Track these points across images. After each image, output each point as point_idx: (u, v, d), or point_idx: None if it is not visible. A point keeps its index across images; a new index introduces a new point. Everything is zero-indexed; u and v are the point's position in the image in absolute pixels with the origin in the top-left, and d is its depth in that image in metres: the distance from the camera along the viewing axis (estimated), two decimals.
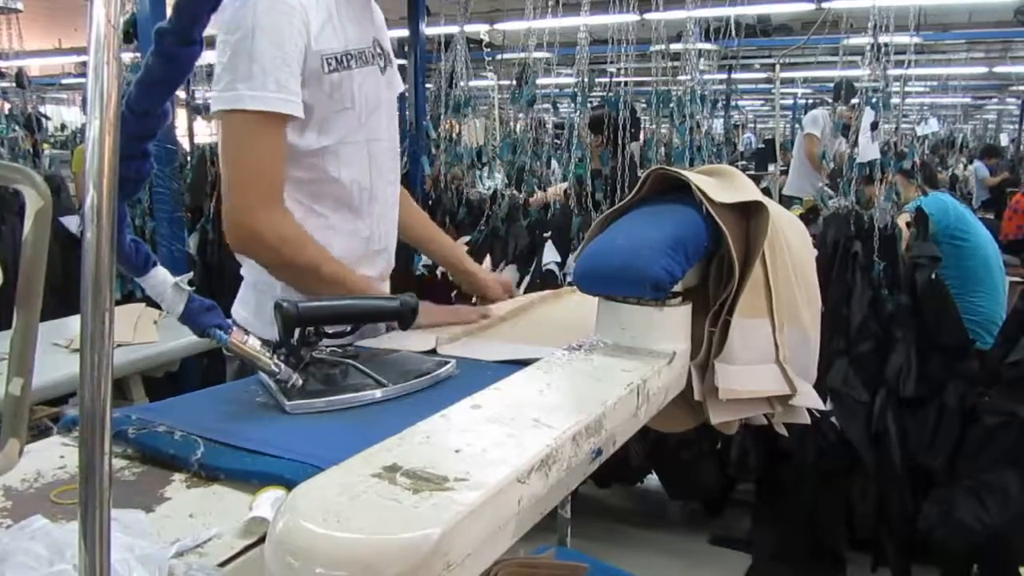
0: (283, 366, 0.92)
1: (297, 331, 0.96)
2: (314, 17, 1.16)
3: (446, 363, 1.02)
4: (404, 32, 3.97)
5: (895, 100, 2.78)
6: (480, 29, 5.73)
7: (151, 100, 0.61)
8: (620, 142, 3.15)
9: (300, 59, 1.15)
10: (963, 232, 2.85)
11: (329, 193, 1.26)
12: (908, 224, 2.66)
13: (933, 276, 2.49)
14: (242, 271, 1.34)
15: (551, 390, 0.80)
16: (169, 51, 0.59)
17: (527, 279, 3.24)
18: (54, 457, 0.79)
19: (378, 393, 0.93)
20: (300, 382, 0.92)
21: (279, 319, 0.95)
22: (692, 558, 2.87)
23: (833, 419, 2.52)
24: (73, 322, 2.63)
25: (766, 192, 3.25)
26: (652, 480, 3.10)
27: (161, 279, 0.84)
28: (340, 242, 1.27)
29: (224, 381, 1.15)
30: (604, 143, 3.27)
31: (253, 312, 1.31)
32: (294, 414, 0.88)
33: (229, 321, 0.90)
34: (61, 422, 0.86)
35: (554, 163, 3.80)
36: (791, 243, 1.06)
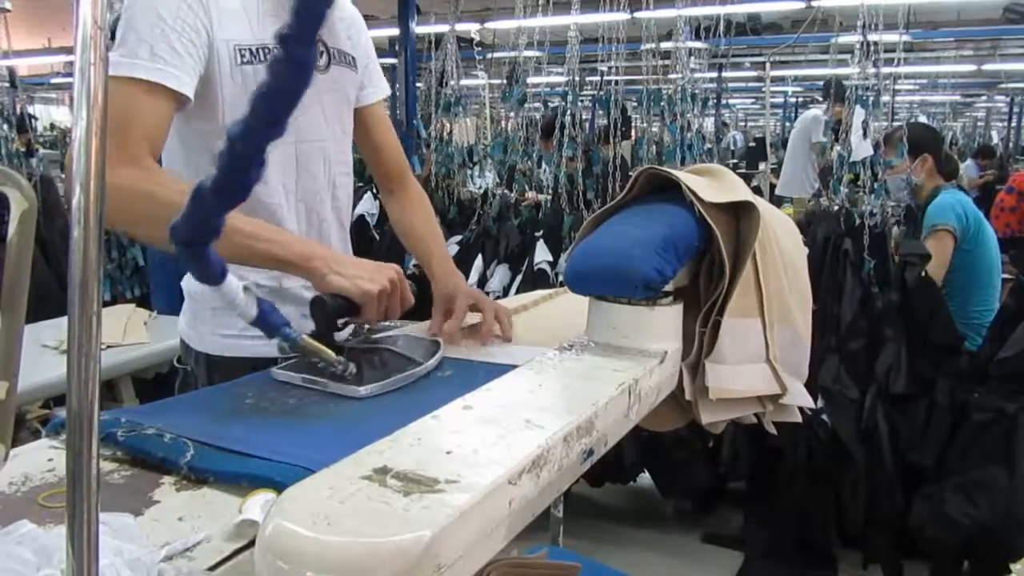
0: (342, 358, 0.96)
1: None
2: (215, 2, 1.13)
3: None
4: (394, 31, 3.98)
5: (885, 98, 2.79)
6: (471, 28, 5.72)
7: (280, 109, 0.57)
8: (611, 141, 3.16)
9: (193, 37, 1.10)
10: (974, 240, 2.78)
11: (253, 196, 1.20)
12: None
13: (923, 274, 2.50)
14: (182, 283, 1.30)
15: (542, 390, 0.80)
16: (296, 56, 0.55)
17: (519, 278, 3.24)
18: (42, 460, 0.79)
19: (422, 368, 1.02)
20: (354, 370, 0.96)
21: (318, 313, 0.99)
22: (684, 556, 2.88)
23: (824, 417, 2.53)
24: (65, 323, 2.62)
25: (757, 191, 3.26)
26: (644, 478, 3.10)
27: (235, 286, 0.81)
28: None
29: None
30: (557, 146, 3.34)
31: (189, 323, 1.29)
32: (368, 398, 0.94)
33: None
34: (49, 424, 0.86)
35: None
36: (782, 242, 1.06)
